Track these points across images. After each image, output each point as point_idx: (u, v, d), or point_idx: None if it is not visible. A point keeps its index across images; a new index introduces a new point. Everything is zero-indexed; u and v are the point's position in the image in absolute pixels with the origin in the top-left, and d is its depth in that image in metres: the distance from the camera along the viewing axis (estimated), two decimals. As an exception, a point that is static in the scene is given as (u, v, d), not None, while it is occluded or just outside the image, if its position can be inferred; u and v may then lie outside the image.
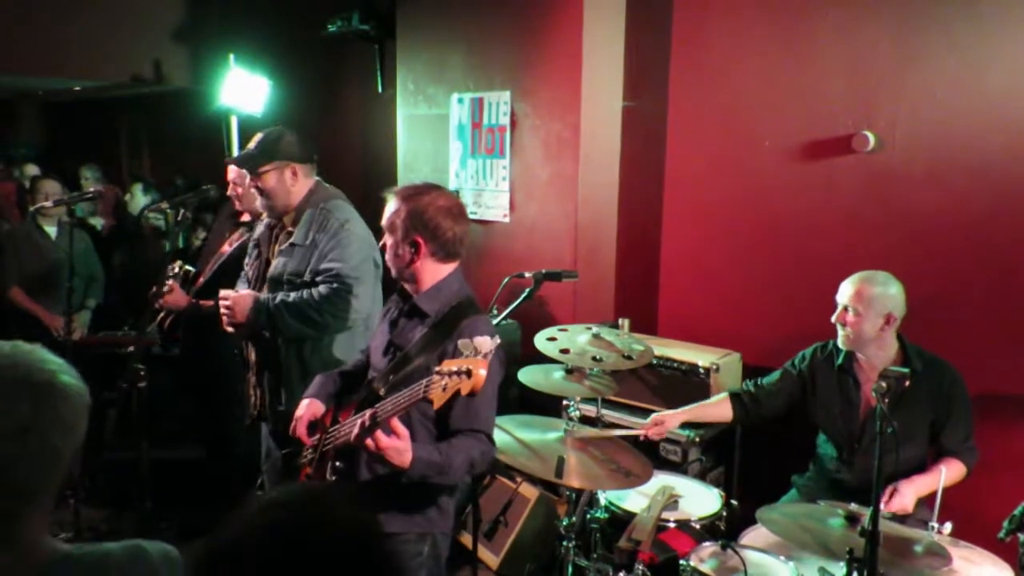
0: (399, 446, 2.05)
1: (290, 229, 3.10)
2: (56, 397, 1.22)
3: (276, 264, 3.07)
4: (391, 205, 2.36)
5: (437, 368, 1.97)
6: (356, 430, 2.11)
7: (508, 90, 4.16)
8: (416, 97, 4.65)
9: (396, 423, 2.05)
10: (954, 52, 3.25)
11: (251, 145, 3.10)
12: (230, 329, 3.07)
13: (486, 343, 2.06)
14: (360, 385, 2.50)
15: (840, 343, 2.97)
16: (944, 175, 3.30)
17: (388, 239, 2.37)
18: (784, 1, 3.65)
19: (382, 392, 2.26)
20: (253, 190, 3.14)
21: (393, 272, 2.41)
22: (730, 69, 3.83)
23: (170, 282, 3.47)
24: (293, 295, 2.97)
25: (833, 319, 2.94)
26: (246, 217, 3.76)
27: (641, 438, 3.10)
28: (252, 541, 0.99)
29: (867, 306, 2.87)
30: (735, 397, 3.24)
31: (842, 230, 3.56)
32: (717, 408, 3.23)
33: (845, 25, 3.49)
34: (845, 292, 2.94)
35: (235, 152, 5.48)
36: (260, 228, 3.29)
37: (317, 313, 2.92)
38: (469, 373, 1.92)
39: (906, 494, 2.72)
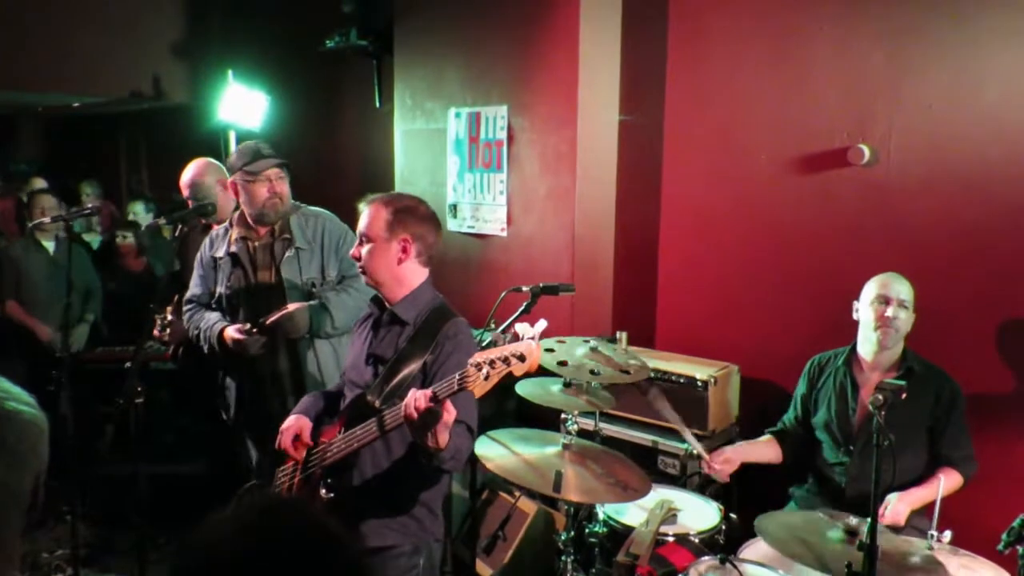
0: (449, 421, 2.06)
1: (286, 236, 3.16)
2: None
3: (288, 274, 3.12)
4: (368, 210, 2.39)
5: (474, 360, 1.98)
6: (413, 413, 2.05)
7: (505, 104, 4.18)
8: (414, 112, 4.67)
9: (448, 402, 2.05)
10: (948, 65, 3.27)
11: (263, 149, 3.15)
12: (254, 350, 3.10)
13: (530, 328, 2.10)
14: (340, 404, 2.53)
15: (883, 342, 2.92)
16: (939, 187, 3.31)
17: (367, 245, 2.37)
18: (779, 16, 3.67)
19: (377, 404, 2.29)
20: (268, 193, 3.13)
21: (373, 279, 2.41)
22: (726, 83, 3.85)
23: (171, 320, 3.58)
24: (333, 293, 3.12)
25: (888, 313, 2.89)
26: (215, 228, 3.78)
27: (704, 470, 3.04)
28: (218, 550, 1.00)
29: (911, 301, 2.93)
30: (779, 437, 3.20)
31: (839, 242, 3.56)
32: (769, 449, 3.18)
33: (840, 39, 3.51)
34: (896, 288, 2.93)
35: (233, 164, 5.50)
36: (220, 244, 3.26)
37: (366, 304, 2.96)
38: (523, 356, 1.94)
39: (899, 508, 2.72)
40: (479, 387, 1.99)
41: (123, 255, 5.67)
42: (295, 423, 2.44)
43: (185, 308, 3.37)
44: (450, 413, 2.03)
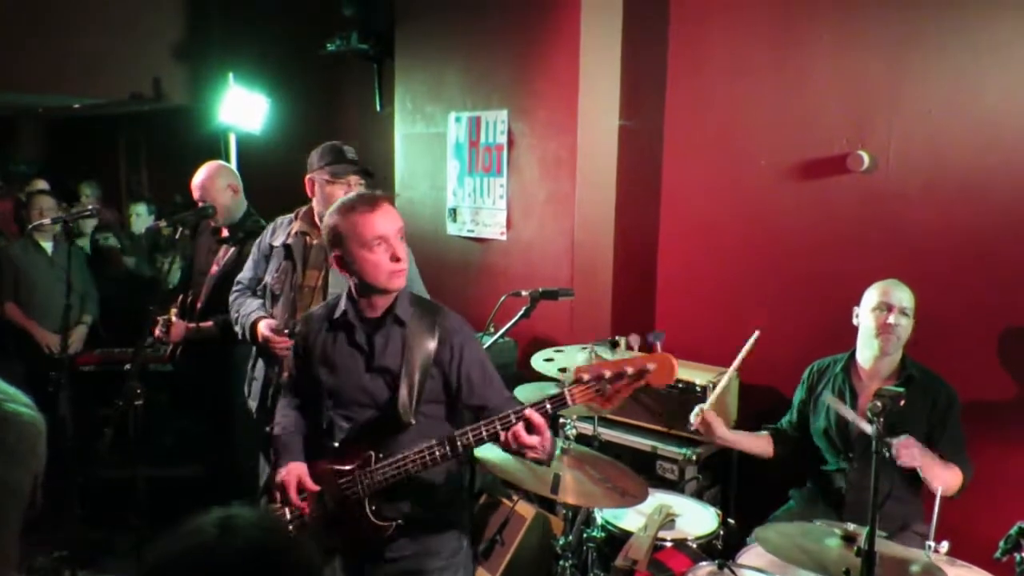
0: (549, 435, 2.06)
1: None
2: None
3: (335, 279, 3.04)
4: (392, 208, 2.28)
5: (586, 375, 1.97)
6: (540, 454, 2.05)
7: (505, 109, 4.19)
8: (414, 116, 4.68)
9: (535, 415, 2.03)
10: (947, 72, 3.28)
11: (348, 153, 3.12)
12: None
13: (635, 338, 2.12)
14: (318, 419, 2.38)
15: (885, 348, 2.93)
16: (939, 194, 3.32)
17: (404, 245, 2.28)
18: (779, 21, 3.68)
19: (412, 420, 2.22)
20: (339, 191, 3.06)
21: (401, 283, 2.28)
22: (725, 89, 3.86)
23: (174, 322, 3.56)
24: None
25: (890, 320, 2.90)
26: (225, 232, 3.78)
27: (691, 426, 3.06)
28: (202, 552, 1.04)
29: (912, 308, 2.93)
30: (775, 435, 3.20)
31: (837, 249, 3.57)
32: (759, 442, 3.18)
33: (840, 45, 3.52)
34: (898, 295, 2.93)
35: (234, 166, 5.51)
36: (280, 233, 3.22)
37: None
38: (662, 366, 1.95)
39: (916, 450, 2.68)
40: (600, 403, 1.99)
41: (105, 257, 5.68)
42: (294, 474, 2.30)
43: (233, 290, 3.33)
44: (542, 430, 2.03)
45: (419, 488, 2.28)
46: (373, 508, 2.24)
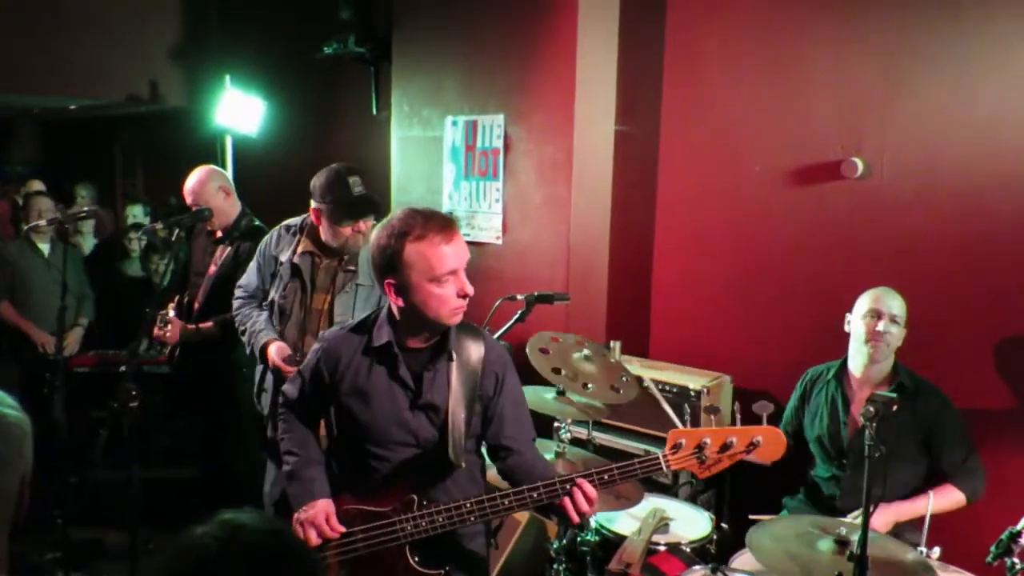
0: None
1: (351, 268, 3.03)
2: None
3: (340, 307, 3.01)
4: (463, 239, 2.11)
5: (684, 439, 1.95)
6: (581, 507, 1.96)
7: (502, 113, 4.20)
8: (411, 119, 4.68)
9: (585, 484, 1.98)
10: (941, 80, 3.30)
11: (356, 189, 2.96)
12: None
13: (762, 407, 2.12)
14: (348, 455, 2.23)
15: (874, 355, 2.94)
16: (933, 201, 3.34)
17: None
18: (775, 28, 3.70)
19: (463, 464, 2.10)
20: (352, 232, 2.98)
21: (460, 318, 2.11)
22: (721, 95, 3.87)
23: (171, 318, 3.56)
24: None
25: (879, 327, 2.91)
26: (219, 233, 3.79)
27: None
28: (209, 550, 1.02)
29: (903, 316, 2.93)
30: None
31: (832, 255, 3.59)
32: None
33: (834, 52, 3.54)
34: (888, 302, 2.94)
35: (229, 171, 5.50)
36: (286, 247, 3.16)
37: None
38: (770, 440, 1.95)
39: (880, 515, 2.69)
40: (695, 470, 1.98)
41: (130, 256, 5.69)
42: (323, 511, 2.11)
43: (236, 296, 3.31)
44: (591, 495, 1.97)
45: (461, 534, 2.17)
46: (416, 558, 2.08)
